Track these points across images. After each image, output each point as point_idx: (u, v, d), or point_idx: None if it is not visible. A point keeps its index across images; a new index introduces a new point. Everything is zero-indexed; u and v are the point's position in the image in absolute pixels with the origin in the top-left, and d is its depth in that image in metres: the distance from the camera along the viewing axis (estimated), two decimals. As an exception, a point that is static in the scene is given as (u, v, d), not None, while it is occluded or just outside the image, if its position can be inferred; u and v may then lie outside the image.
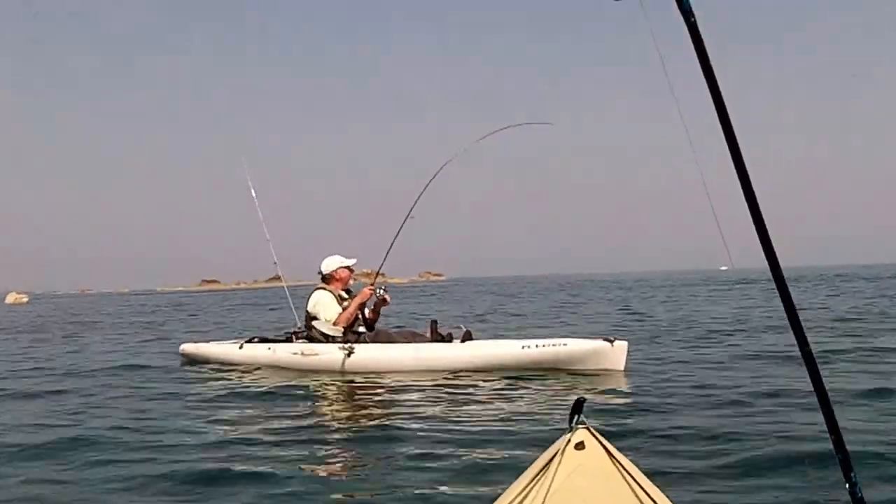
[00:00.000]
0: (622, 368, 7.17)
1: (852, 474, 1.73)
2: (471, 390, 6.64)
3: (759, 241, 1.67)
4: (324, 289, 8.26)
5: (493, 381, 7.01)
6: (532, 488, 1.94)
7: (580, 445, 1.98)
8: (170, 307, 33.66)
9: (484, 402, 6.07)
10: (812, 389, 1.74)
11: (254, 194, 9.54)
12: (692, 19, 1.60)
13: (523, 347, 7.51)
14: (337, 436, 5.13)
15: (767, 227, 1.66)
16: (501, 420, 5.34)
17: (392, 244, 8.23)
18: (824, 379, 1.77)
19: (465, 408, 5.86)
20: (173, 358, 9.58)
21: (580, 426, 2.02)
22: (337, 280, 8.30)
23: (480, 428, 5.10)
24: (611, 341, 7.22)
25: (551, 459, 1.98)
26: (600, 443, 2.00)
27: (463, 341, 7.86)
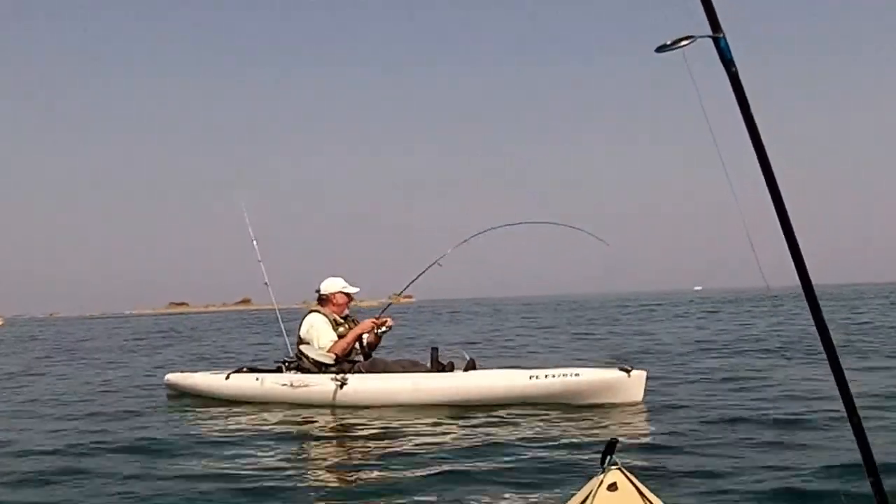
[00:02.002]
0: (639, 400, 6.68)
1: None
2: (474, 427, 6.12)
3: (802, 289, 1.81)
4: (318, 311, 7.74)
5: (497, 416, 6.51)
6: None
7: (613, 486, 1.98)
8: (144, 331, 32.81)
9: (490, 443, 5.54)
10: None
11: (247, 220, 9.32)
12: (733, 69, 1.72)
13: (531, 377, 7.01)
14: (319, 482, 4.62)
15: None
16: (512, 462, 4.85)
17: (413, 281, 8.12)
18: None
19: (469, 448, 5.34)
20: (158, 388, 9.06)
21: (612, 467, 2.03)
22: (334, 304, 7.78)
23: (488, 471, 4.63)
24: (628, 371, 6.72)
25: (584, 501, 2.00)
26: (633, 483, 2.01)
27: (466, 370, 7.36)
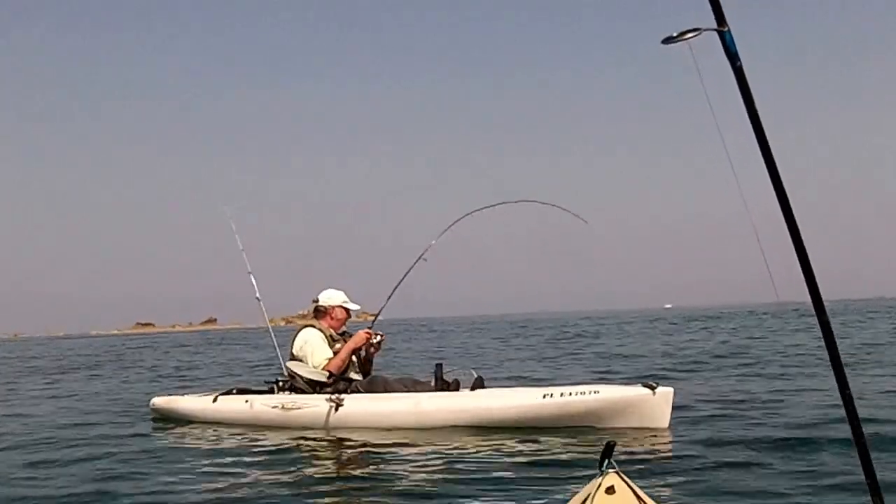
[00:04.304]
0: (666, 424, 6.11)
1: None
2: (480, 449, 5.68)
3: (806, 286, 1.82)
4: (313, 326, 7.18)
5: (506, 438, 6.03)
6: None
7: (611, 490, 2.00)
8: (115, 352, 31.81)
9: (496, 464, 5.14)
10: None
11: (234, 228, 8.83)
12: (738, 63, 1.73)
13: (545, 396, 6.49)
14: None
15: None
16: (515, 484, 4.62)
17: (396, 287, 7.47)
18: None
19: (472, 470, 4.99)
20: (143, 413, 8.50)
21: (610, 470, 2.05)
22: (331, 318, 7.23)
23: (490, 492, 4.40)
24: (652, 388, 6.16)
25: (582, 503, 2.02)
26: (630, 487, 2.03)
27: (473, 389, 6.83)
